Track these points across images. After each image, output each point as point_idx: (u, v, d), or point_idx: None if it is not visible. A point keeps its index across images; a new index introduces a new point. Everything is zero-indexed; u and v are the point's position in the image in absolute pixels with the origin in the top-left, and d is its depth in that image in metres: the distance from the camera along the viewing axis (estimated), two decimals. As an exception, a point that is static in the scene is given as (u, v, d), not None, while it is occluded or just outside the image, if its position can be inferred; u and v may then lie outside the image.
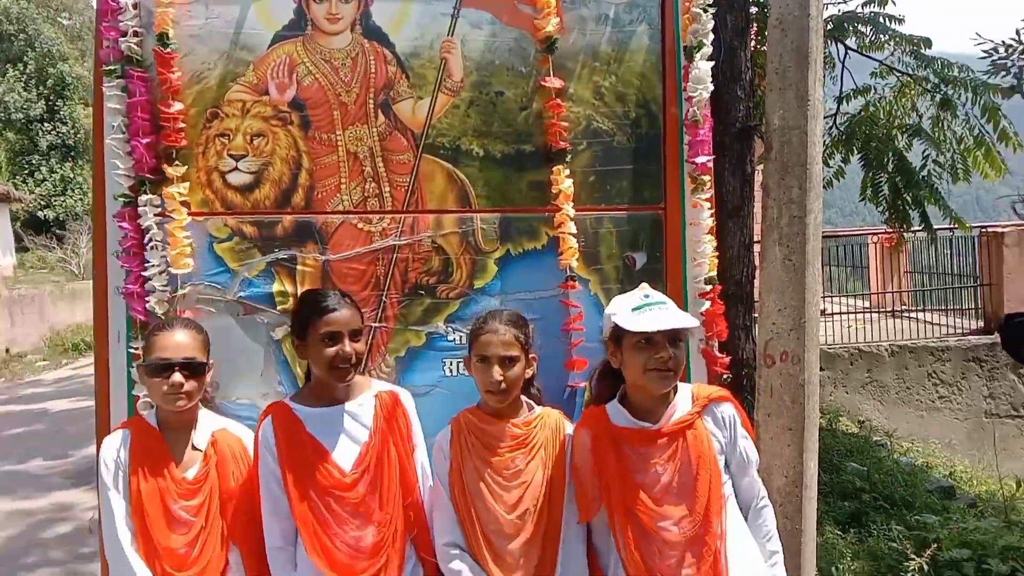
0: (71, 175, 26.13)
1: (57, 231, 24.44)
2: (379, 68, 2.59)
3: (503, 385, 2.19)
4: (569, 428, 2.33)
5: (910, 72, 7.15)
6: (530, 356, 2.27)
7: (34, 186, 25.49)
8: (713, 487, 2.11)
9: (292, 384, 2.62)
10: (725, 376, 2.61)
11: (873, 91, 7.45)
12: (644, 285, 2.26)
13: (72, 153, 26.62)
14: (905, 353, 8.93)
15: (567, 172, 2.59)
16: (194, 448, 2.27)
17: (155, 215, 2.50)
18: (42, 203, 25.28)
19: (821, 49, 2.96)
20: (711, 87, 2.46)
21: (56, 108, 26.51)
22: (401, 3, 2.60)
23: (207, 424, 2.31)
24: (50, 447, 8.46)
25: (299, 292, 2.60)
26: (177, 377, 2.17)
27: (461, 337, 2.66)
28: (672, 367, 2.10)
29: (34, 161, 26.16)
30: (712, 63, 2.49)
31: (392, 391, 2.34)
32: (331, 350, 2.17)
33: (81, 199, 25.80)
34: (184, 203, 2.51)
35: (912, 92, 7.29)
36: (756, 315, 3.42)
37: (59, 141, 26.31)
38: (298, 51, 2.58)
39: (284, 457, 2.19)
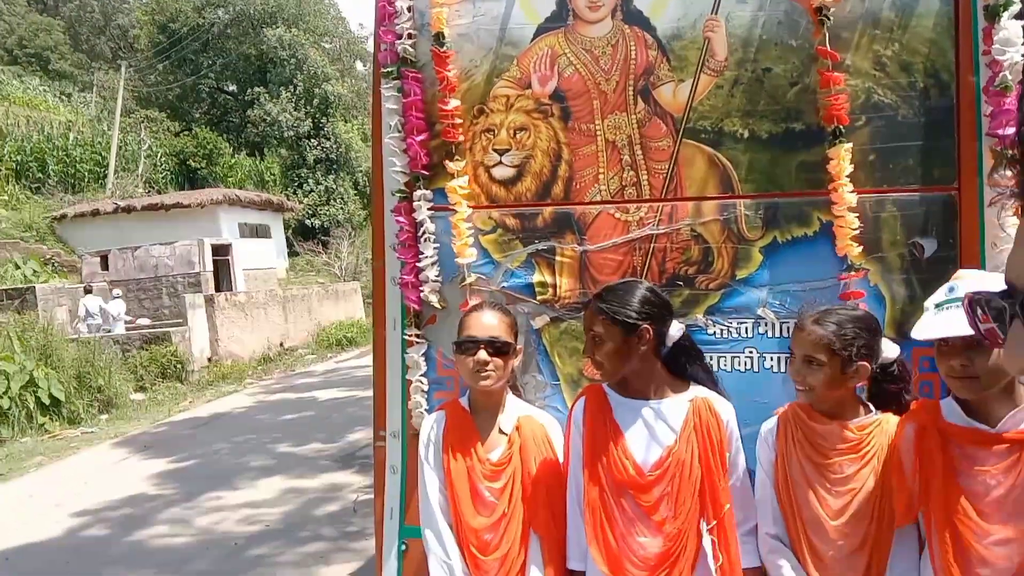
0: (334, 186, 28.79)
1: (322, 237, 27.02)
2: (639, 53, 2.54)
3: (804, 385, 2.07)
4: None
5: None
6: (857, 364, 2.03)
7: (302, 196, 28.36)
8: None
9: (551, 373, 2.64)
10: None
11: None
12: (959, 273, 1.99)
13: (334, 166, 29.32)
14: None
15: (847, 150, 2.37)
16: (500, 432, 2.33)
17: (428, 209, 2.63)
18: (309, 212, 28.06)
19: None
20: (1023, 48, 2.14)
21: (321, 125, 29.34)
22: (663, -15, 2.53)
23: (513, 409, 2.38)
24: (319, 432, 9.34)
25: (557, 283, 2.62)
26: (482, 355, 2.25)
27: (721, 331, 2.54)
28: (967, 375, 1.86)
29: (302, 174, 29.12)
30: (1019, 23, 2.17)
31: (709, 399, 2.19)
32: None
33: (342, 208, 28.37)
34: (465, 196, 2.62)
35: None
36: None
37: (324, 155, 29.08)
38: (560, 42, 2.59)
39: (588, 439, 2.19)
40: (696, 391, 2.22)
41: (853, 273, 2.39)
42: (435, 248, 2.64)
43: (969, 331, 1.77)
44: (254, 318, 17.43)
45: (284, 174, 29.80)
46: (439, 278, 2.65)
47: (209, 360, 15.64)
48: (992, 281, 1.88)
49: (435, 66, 2.61)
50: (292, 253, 26.86)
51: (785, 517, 2.14)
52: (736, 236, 2.51)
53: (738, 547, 2.13)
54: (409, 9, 2.63)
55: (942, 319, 1.88)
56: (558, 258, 2.62)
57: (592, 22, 2.57)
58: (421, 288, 2.65)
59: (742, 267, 2.51)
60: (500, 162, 2.64)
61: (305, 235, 27.91)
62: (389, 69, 2.67)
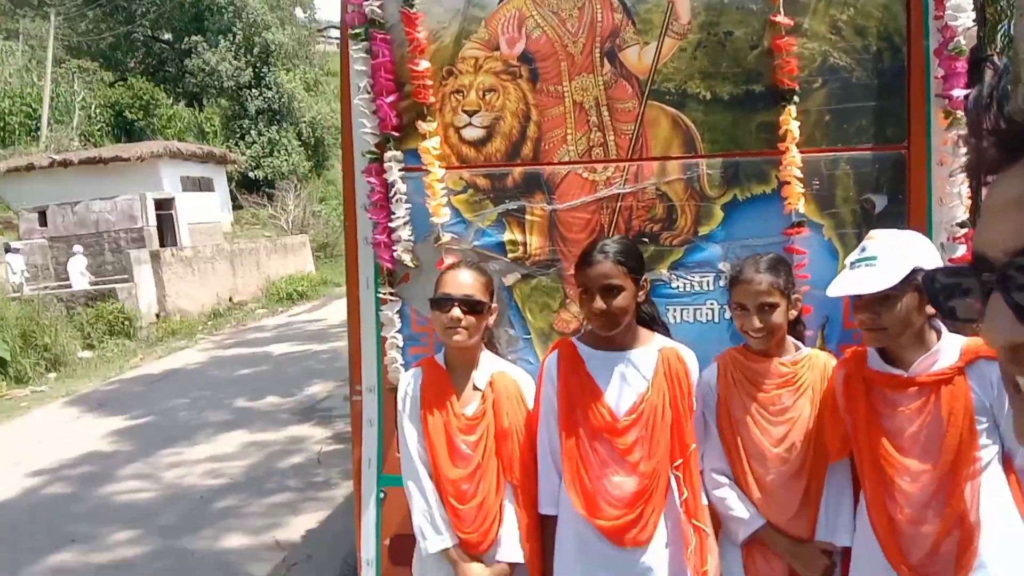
0: (277, 137, 28.11)
1: (267, 190, 26.49)
2: (605, 16, 2.60)
3: (762, 331, 2.21)
4: None
5: None
6: (793, 298, 2.26)
7: (245, 148, 27.67)
8: (963, 447, 2.00)
9: (522, 328, 2.74)
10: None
11: None
12: (872, 234, 2.15)
13: (277, 117, 28.60)
14: None
15: (795, 112, 2.50)
16: (475, 387, 2.43)
17: (399, 170, 2.67)
18: (252, 164, 27.42)
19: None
20: (973, 14, 2.27)
21: (262, 75, 28.51)
22: (628, -52, 2.58)
23: (488, 365, 2.47)
24: (276, 386, 9.35)
25: (528, 241, 2.71)
26: (456, 312, 2.32)
27: (685, 284, 2.66)
28: (876, 327, 2.04)
29: (244, 125, 28.35)
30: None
31: (676, 349, 2.33)
32: (586, 304, 2.24)
33: (286, 159, 27.79)
34: (439, 156, 2.66)
35: None
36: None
37: (265, 106, 28.32)
38: (527, 5, 2.63)
39: (562, 391, 2.30)
40: (663, 341, 2.36)
41: (797, 229, 2.53)
42: (407, 208, 2.70)
43: (874, 288, 1.99)
44: (201, 273, 17.16)
45: (225, 125, 29.00)
46: (411, 237, 2.71)
47: (157, 316, 15.40)
48: (903, 239, 2.08)
49: (405, 27, 2.63)
50: (236, 206, 26.32)
51: (729, 453, 2.34)
52: (699, 194, 2.62)
53: (700, 483, 2.31)
54: (420, -30, 2.63)
55: (854, 277, 2.06)
56: (528, 217, 2.70)
57: (559, -16, 2.61)
58: (394, 248, 2.70)
59: (704, 224, 2.63)
60: (470, 123, 2.69)
61: (249, 188, 27.33)
62: (357, 30, 2.68)
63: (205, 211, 22.08)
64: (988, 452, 2.04)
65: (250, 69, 28.50)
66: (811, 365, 2.30)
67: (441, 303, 2.36)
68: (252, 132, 28.18)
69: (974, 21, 2.31)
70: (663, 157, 2.63)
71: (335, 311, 15.46)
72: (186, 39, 29.44)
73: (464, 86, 2.68)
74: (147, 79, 29.37)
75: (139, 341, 13.96)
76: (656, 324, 2.44)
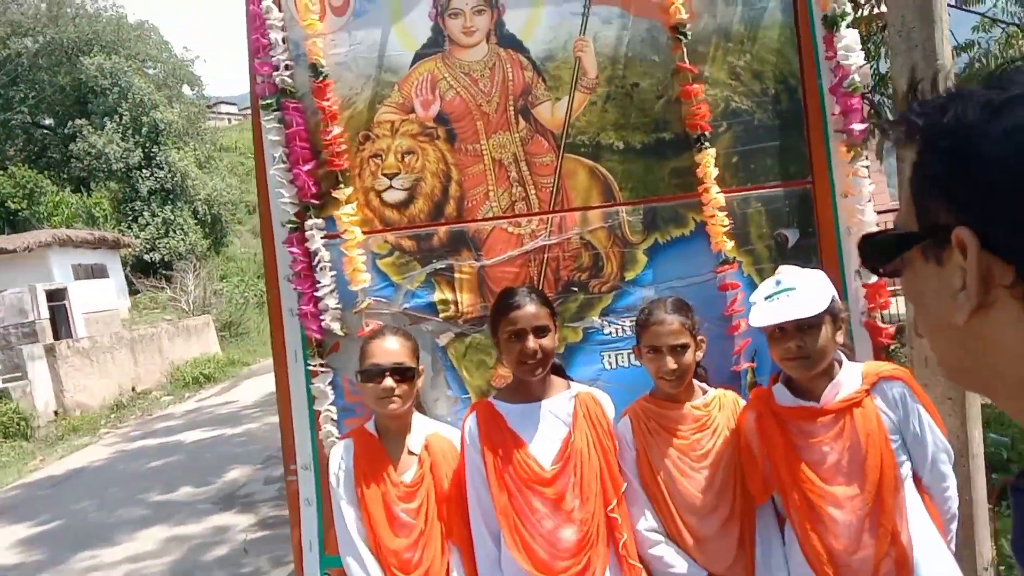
0: (172, 217, 27.30)
1: (164, 272, 25.58)
2: (516, 75, 2.66)
3: (677, 372, 2.22)
4: None
5: (1017, 22, 6.84)
6: (699, 339, 2.29)
7: (138, 231, 26.74)
8: (885, 467, 2.07)
9: (460, 387, 2.71)
10: (892, 348, 2.57)
11: (977, 46, 7.13)
12: (781, 269, 2.23)
13: (171, 196, 27.82)
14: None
15: (710, 155, 2.60)
16: (410, 453, 2.38)
17: (322, 238, 2.63)
18: (147, 246, 26.49)
19: (945, 5, 2.88)
20: (862, 53, 2.43)
21: (152, 154, 27.76)
22: (532, 8, 2.66)
23: (421, 429, 2.42)
24: (192, 476, 8.89)
25: (458, 299, 2.69)
26: (388, 382, 2.29)
27: (617, 330, 2.69)
28: (802, 355, 2.09)
29: (136, 207, 27.43)
30: (855, 30, 2.46)
31: (591, 393, 2.38)
32: (516, 347, 2.24)
33: (183, 239, 26.98)
34: (355, 223, 2.63)
35: (1021, 42, 6.96)
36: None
37: (158, 186, 27.53)
38: (438, 67, 2.67)
39: (486, 451, 2.27)
40: (576, 387, 2.40)
41: (728, 266, 2.61)
42: (332, 276, 2.65)
43: (807, 314, 2.05)
44: (101, 364, 16.33)
45: (116, 208, 27.97)
46: (339, 305, 2.66)
47: (56, 414, 14.50)
48: (811, 272, 2.20)
49: (314, 96, 2.63)
50: (133, 291, 25.31)
51: (658, 507, 2.29)
52: (621, 240, 2.68)
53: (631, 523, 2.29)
54: (284, 40, 2.63)
55: (776, 307, 2.11)
56: (457, 275, 2.69)
57: (468, 47, 2.67)
58: (322, 317, 2.65)
59: (630, 269, 2.68)
60: (391, 186, 2.69)
61: (145, 271, 26.32)
62: (268, 101, 2.66)
63: (100, 299, 21.12)
64: (904, 468, 2.13)
65: (139, 149, 27.72)
66: (721, 405, 2.33)
67: (371, 374, 2.32)
68: (145, 213, 27.27)
69: (863, 60, 2.47)
70: (584, 207, 2.68)
71: (246, 391, 14.94)
72: (69, 123, 28.51)
73: (382, 150, 2.69)
74: (29, 167, 28.17)
75: (38, 442, 13.08)
76: (564, 372, 2.48)
